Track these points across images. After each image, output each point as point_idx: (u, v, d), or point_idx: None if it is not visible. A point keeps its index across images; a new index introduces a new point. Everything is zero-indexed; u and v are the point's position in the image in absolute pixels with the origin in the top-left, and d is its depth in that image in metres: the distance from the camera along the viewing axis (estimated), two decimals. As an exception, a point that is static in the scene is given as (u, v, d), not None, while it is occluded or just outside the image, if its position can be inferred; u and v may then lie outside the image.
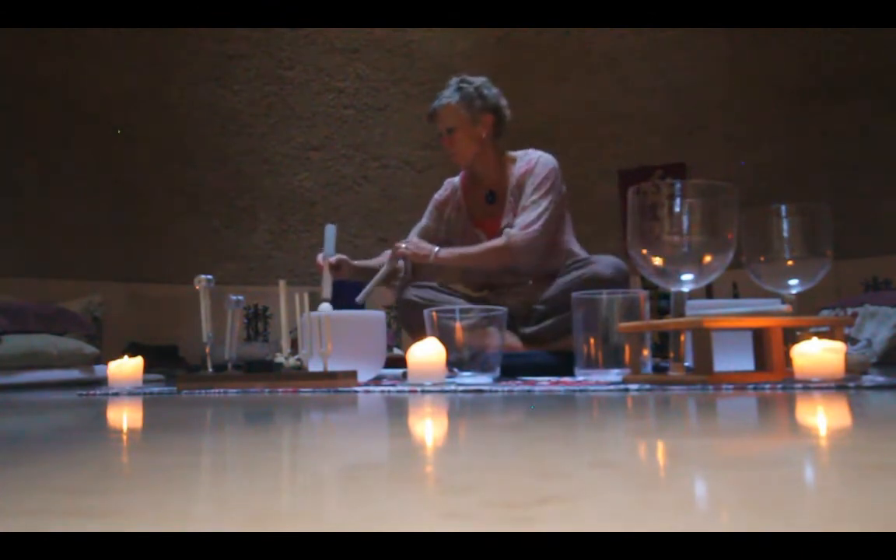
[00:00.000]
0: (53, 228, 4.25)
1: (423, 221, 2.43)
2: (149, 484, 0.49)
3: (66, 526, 0.35)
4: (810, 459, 0.53)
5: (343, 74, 5.05)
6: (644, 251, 1.33)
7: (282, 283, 1.89)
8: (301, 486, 0.48)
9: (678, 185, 1.33)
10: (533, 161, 2.27)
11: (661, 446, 0.62)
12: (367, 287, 2.20)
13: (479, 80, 2.32)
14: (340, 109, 5.05)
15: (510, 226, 2.22)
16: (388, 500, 0.40)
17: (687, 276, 1.32)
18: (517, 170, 2.29)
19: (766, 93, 4.54)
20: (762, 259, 1.48)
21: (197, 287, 1.92)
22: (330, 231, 2.28)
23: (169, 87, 4.67)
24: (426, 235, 2.40)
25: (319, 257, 2.22)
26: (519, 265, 2.21)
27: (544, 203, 2.20)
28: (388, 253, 2.32)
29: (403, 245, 2.25)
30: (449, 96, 2.29)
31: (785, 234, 1.47)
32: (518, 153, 2.35)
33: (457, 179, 2.44)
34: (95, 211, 4.37)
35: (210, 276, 1.94)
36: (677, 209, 1.31)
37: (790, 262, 1.46)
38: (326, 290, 2.13)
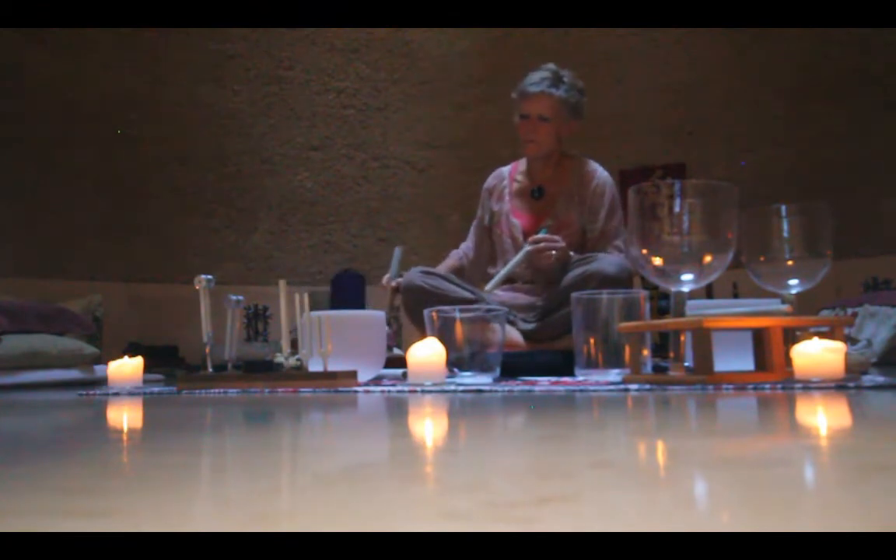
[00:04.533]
0: (53, 228, 4.25)
1: (479, 213, 2.49)
2: (149, 484, 0.49)
3: (66, 526, 0.35)
4: (810, 459, 0.53)
5: (343, 74, 5.05)
6: (644, 251, 1.33)
7: (282, 283, 1.89)
8: (301, 486, 0.48)
9: (678, 185, 1.33)
10: (601, 181, 2.29)
11: (661, 446, 0.62)
12: (499, 275, 2.15)
13: (580, 83, 2.31)
14: (340, 109, 5.04)
15: (592, 230, 2.25)
16: (389, 500, 0.40)
17: (687, 276, 1.32)
18: (585, 177, 2.29)
19: (766, 93, 4.54)
20: (762, 259, 1.48)
21: (197, 287, 1.92)
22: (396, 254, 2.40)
23: (169, 87, 4.67)
24: (482, 225, 2.47)
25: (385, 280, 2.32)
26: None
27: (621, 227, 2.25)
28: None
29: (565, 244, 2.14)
30: (553, 87, 2.25)
31: (785, 234, 1.47)
32: (585, 159, 2.35)
33: (505, 169, 2.46)
34: (95, 211, 4.37)
35: (210, 276, 1.94)
36: (677, 209, 1.31)
37: (790, 262, 1.46)
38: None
